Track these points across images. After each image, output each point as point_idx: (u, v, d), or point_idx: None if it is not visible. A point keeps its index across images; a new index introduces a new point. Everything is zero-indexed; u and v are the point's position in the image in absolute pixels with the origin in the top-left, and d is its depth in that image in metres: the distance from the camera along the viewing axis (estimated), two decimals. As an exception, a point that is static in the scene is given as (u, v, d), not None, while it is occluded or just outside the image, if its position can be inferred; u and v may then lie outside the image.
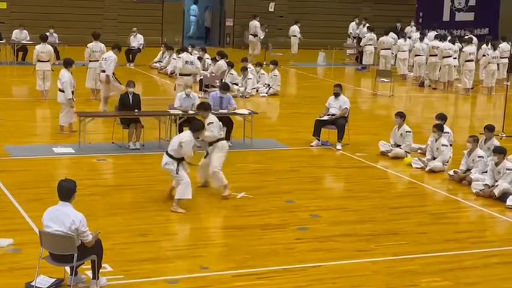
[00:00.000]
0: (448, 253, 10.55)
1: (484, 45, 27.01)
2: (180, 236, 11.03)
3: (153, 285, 9.06)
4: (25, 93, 21.91)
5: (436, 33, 28.88)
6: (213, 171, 12.55)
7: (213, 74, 23.01)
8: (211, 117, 12.90)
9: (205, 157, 12.84)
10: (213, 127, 12.70)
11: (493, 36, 30.61)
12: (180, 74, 19.00)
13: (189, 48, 26.00)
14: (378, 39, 29.27)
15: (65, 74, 16.74)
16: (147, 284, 9.05)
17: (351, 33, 32.60)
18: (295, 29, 32.12)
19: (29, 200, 11.78)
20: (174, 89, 19.45)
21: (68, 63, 17.07)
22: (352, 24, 32.78)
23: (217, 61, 23.55)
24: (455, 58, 25.80)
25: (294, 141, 16.91)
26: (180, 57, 19.46)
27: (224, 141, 12.94)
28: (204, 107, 13.21)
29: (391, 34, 29.31)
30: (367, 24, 32.03)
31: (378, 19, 34.60)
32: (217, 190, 12.77)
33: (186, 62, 19.00)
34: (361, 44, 30.57)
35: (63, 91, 16.71)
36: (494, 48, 25.96)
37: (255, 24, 31.71)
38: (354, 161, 15.53)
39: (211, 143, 12.77)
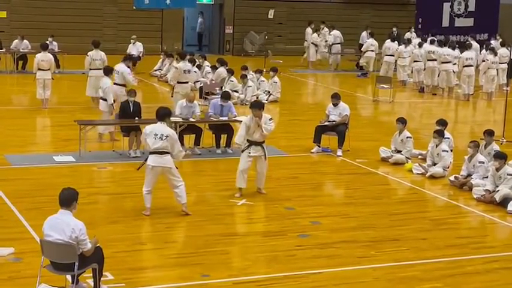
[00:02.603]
0: (449, 259, 10.54)
1: (484, 51, 26.99)
2: (181, 244, 11.01)
3: (154, 293, 9.08)
4: (25, 101, 21.94)
5: (432, 38, 28.84)
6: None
7: (213, 81, 23.01)
8: (266, 115, 12.98)
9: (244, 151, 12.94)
10: (272, 123, 12.98)
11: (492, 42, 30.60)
12: (178, 82, 18.95)
13: (188, 56, 26.11)
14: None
15: (106, 81, 16.98)
16: (148, 292, 9.06)
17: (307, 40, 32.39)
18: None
19: (30, 209, 11.77)
20: (172, 96, 19.40)
21: (108, 71, 17.35)
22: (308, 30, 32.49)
23: (217, 68, 23.57)
24: (454, 64, 25.79)
25: (293, 148, 16.91)
26: (177, 68, 19.30)
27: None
28: (259, 105, 13.07)
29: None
30: (326, 29, 32.02)
31: (377, 25, 34.65)
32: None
33: (184, 71, 18.92)
34: (362, 50, 30.57)
35: (104, 99, 16.86)
36: (495, 53, 25.96)
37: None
38: (354, 167, 15.53)
39: (257, 143, 12.91)
